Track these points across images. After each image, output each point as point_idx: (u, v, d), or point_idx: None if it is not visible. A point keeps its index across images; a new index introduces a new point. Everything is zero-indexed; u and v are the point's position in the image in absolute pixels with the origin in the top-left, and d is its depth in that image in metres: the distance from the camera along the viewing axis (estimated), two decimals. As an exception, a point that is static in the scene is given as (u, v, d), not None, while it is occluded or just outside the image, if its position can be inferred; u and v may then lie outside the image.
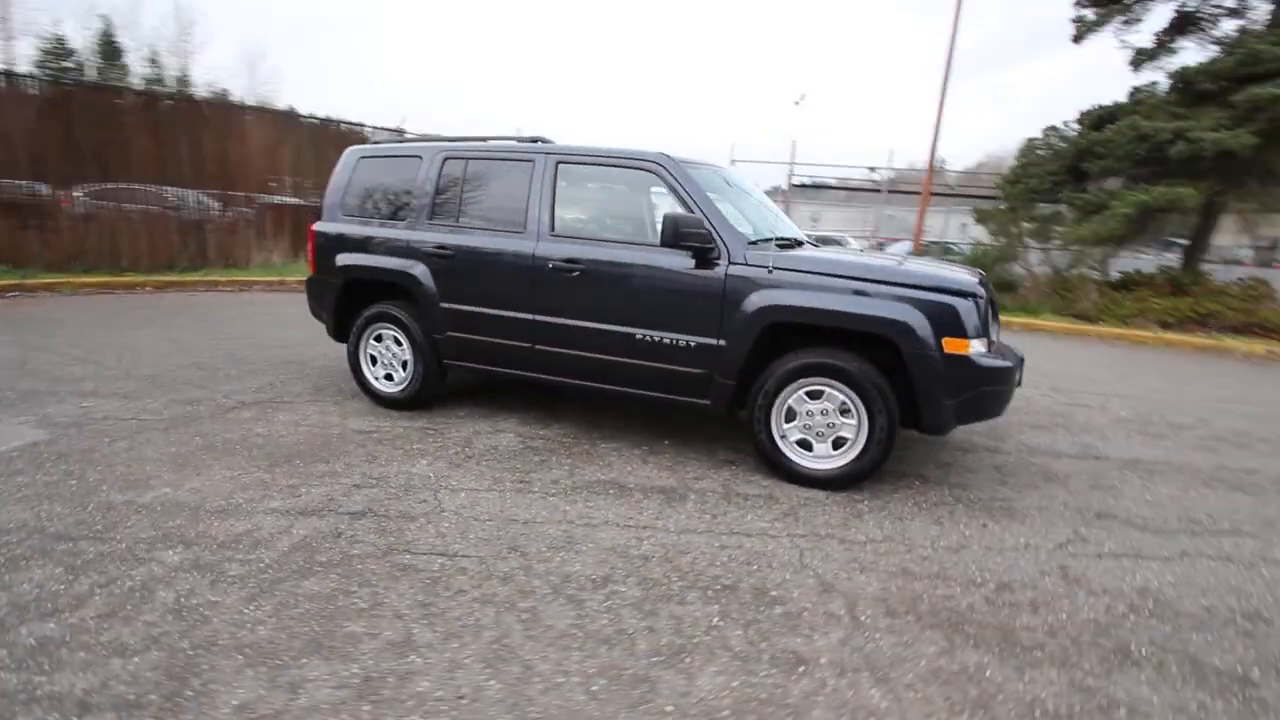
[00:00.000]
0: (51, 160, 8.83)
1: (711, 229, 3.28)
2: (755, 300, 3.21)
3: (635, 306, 3.46)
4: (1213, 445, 4.37)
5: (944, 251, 16.90)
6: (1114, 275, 11.01)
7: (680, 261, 3.35)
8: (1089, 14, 11.41)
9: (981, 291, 3.14)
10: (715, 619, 2.19)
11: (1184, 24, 11.47)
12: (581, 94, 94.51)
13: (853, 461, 3.17)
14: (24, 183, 8.75)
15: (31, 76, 10.17)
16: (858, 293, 3.10)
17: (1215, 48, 11.04)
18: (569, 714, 1.75)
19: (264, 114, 11.39)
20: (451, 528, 2.70)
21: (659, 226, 4.27)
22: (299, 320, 7.05)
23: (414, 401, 4.16)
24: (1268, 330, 8.78)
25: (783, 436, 3.29)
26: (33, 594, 2.14)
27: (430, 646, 1.98)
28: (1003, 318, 6.50)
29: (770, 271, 3.21)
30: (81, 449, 3.33)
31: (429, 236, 3.94)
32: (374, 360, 4.25)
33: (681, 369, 3.41)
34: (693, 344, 3.36)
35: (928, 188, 13.06)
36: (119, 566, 2.32)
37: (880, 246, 15.73)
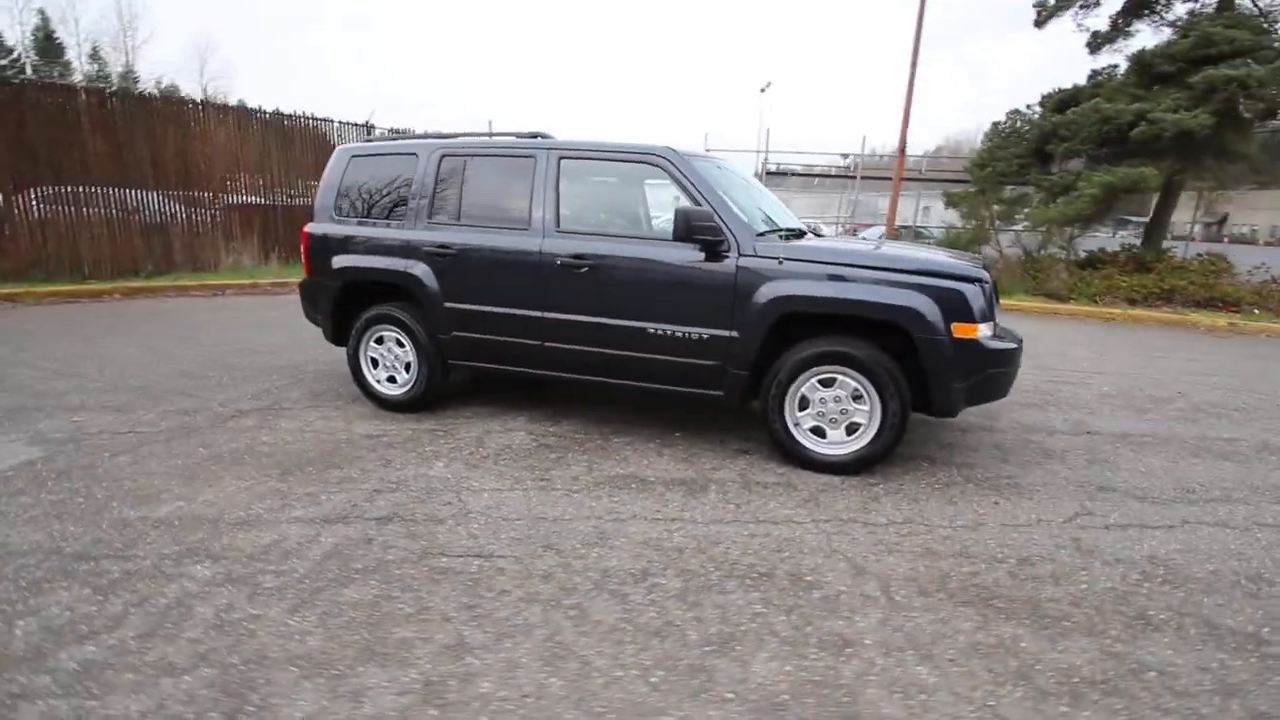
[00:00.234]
0: (2, 163, 8.43)
1: (721, 222, 3.31)
2: (767, 291, 3.25)
3: (646, 300, 3.47)
4: (1194, 417, 4.58)
5: (915, 236, 17.22)
6: (1080, 255, 11.37)
7: (690, 255, 3.37)
8: (1050, -1, 11.68)
9: (986, 276, 3.24)
10: (758, 606, 2.24)
11: (1138, 7, 11.84)
12: (550, 85, 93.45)
13: (867, 446, 3.24)
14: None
15: (-24, 76, 9.66)
16: (868, 281, 3.16)
17: (1169, 30, 11.44)
18: (633, 706, 1.78)
19: (227, 111, 11.01)
20: (482, 529, 2.70)
21: (654, 220, 4.33)
22: (280, 324, 6.93)
23: (419, 403, 4.11)
24: (1228, 304, 9.19)
25: (796, 424, 3.35)
26: (64, 617, 2.08)
27: (484, 648, 1.98)
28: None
29: (781, 262, 3.25)
30: (82, 465, 3.23)
31: (429, 236, 3.89)
32: (375, 363, 4.19)
33: (695, 361, 3.44)
34: (705, 336, 3.39)
35: (899, 173, 13.27)
36: (149, 584, 2.26)
37: (853, 232, 15.96)
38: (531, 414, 4.17)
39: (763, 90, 32.61)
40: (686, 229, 3.23)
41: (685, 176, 3.44)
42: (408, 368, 4.09)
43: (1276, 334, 8.28)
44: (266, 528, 2.67)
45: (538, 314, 3.69)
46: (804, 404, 3.32)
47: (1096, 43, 12.21)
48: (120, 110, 9.47)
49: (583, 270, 3.55)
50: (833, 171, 25.34)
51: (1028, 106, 12.38)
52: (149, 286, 8.84)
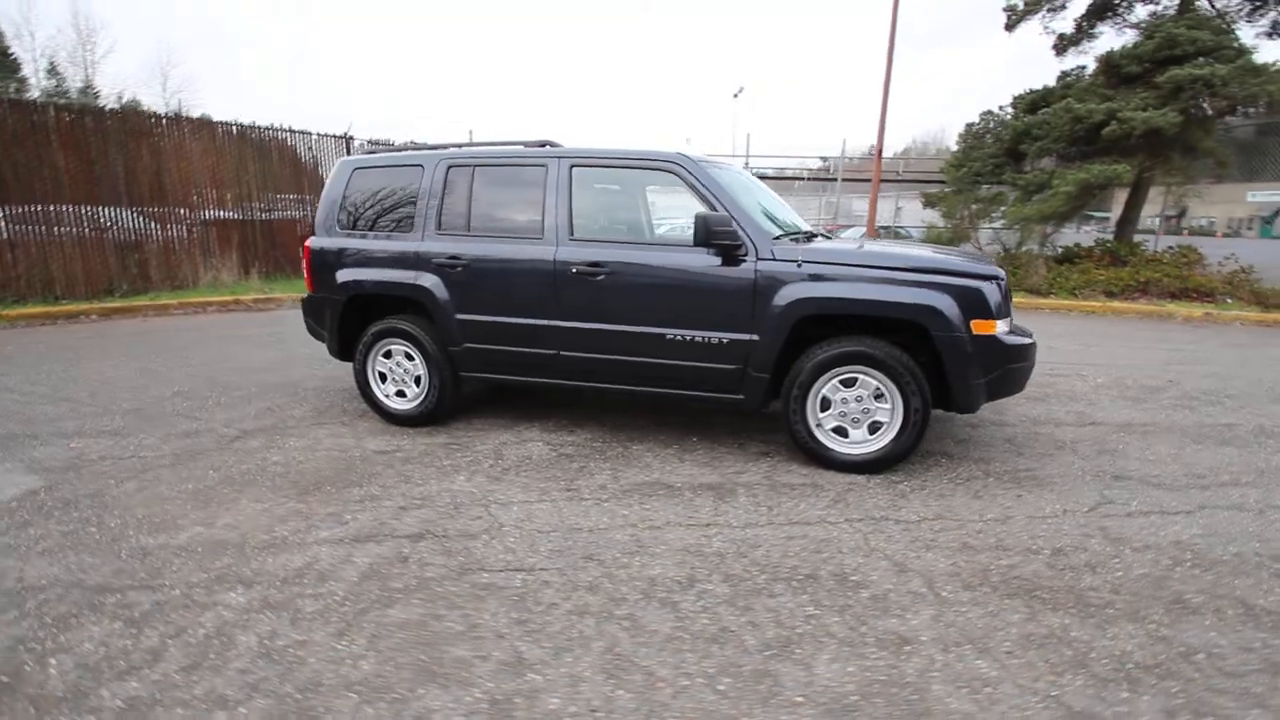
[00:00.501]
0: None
1: (739, 227, 3.32)
2: (787, 294, 3.27)
3: (665, 306, 3.47)
4: (1189, 404, 4.71)
5: (895, 236, 17.49)
6: (1057, 250, 11.66)
7: (708, 260, 3.38)
8: (1019, 3, 12.00)
9: (1002, 274, 3.30)
10: (809, 608, 2.24)
11: (1102, 10, 12.23)
12: (526, 92, 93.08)
13: (891, 443, 3.27)
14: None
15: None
16: (887, 281, 3.20)
17: (1131, 32, 11.84)
18: (705, 715, 1.76)
19: (200, 125, 10.76)
20: (517, 542, 2.66)
21: (655, 226, 4.33)
22: (268, 340, 6.78)
23: (430, 417, 4.04)
24: (1201, 294, 9.49)
25: (818, 425, 3.37)
26: (99, 652, 2.00)
27: (544, 663, 1.95)
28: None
29: (800, 265, 3.27)
30: (89, 493, 3.11)
31: (439, 247, 3.84)
32: (383, 377, 4.12)
33: (715, 365, 3.44)
34: (725, 340, 3.39)
35: (878, 175, 13.50)
36: (183, 614, 2.19)
37: (830, 234, 16.16)
38: (544, 424, 4.13)
39: (735, 95, 32.98)
40: (706, 234, 3.24)
41: (700, 182, 3.45)
42: (417, 381, 4.03)
43: (1249, 321, 8.57)
44: (295, 550, 2.60)
45: (553, 323, 3.66)
46: (825, 405, 3.34)
47: (1063, 45, 12.59)
48: (92, 126, 9.20)
49: (599, 278, 3.53)
50: (804, 175, 25.71)
51: (1000, 108, 12.70)
52: (127, 306, 8.58)
